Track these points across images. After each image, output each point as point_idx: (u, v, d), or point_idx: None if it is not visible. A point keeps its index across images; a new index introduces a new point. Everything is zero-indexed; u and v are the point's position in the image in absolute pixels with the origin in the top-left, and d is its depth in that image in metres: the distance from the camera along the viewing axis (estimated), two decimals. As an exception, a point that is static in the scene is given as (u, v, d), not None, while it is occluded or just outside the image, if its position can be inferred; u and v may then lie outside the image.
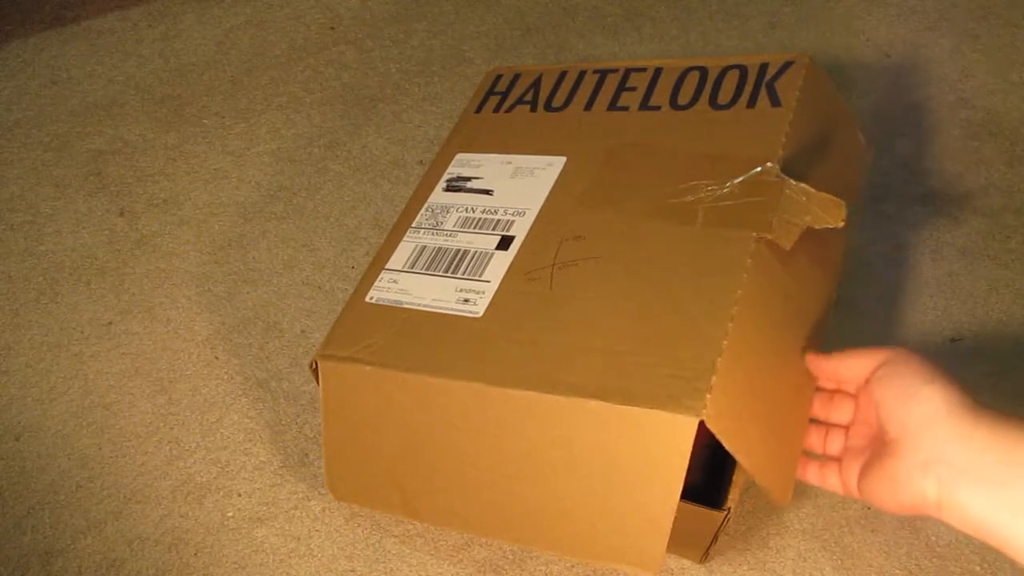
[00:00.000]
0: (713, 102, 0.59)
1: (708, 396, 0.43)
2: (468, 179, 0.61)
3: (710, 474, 0.59)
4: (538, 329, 0.50)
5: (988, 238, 0.69)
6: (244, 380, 0.67)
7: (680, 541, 0.56)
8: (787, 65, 0.59)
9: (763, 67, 0.60)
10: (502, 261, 0.54)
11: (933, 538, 0.56)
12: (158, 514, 0.60)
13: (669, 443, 0.44)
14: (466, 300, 0.53)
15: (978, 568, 0.54)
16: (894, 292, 0.70)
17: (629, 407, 0.44)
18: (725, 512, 0.50)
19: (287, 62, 0.94)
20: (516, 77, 0.69)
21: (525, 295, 0.52)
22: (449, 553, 0.57)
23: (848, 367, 0.48)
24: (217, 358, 0.69)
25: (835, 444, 0.51)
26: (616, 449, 0.46)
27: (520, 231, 0.56)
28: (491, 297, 0.52)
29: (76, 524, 0.60)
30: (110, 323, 0.72)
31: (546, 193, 0.58)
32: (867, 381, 0.46)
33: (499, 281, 0.53)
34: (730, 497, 0.50)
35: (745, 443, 0.45)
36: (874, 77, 0.83)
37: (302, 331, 0.70)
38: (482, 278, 0.54)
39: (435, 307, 0.54)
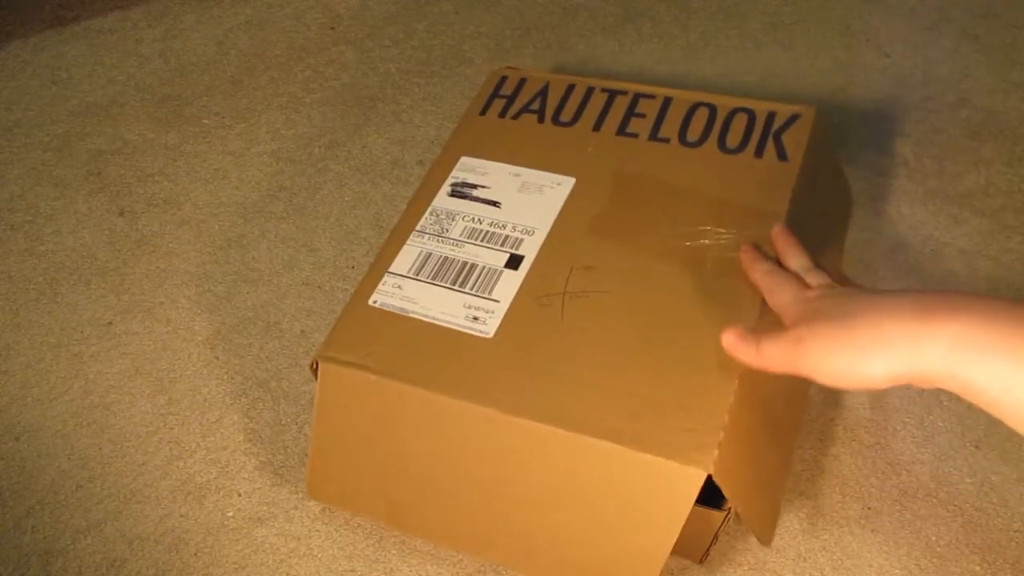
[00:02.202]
0: (722, 144, 0.61)
1: (716, 451, 0.44)
2: (474, 186, 0.61)
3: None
4: (549, 358, 0.50)
5: (988, 238, 0.69)
6: (244, 380, 0.67)
7: (680, 541, 0.56)
8: (794, 118, 0.61)
9: (770, 116, 0.62)
10: (512, 281, 0.55)
11: (933, 538, 0.56)
12: (158, 514, 0.60)
13: (674, 491, 0.45)
14: (475, 318, 0.53)
15: (978, 568, 0.54)
16: (894, 292, 0.70)
17: (639, 452, 0.45)
18: (725, 512, 0.50)
19: (287, 62, 0.94)
20: (522, 82, 0.69)
21: (536, 321, 0.53)
22: (449, 553, 0.57)
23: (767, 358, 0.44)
24: (217, 358, 0.69)
25: None
26: (620, 489, 0.47)
27: (530, 251, 0.56)
28: (501, 318, 0.53)
29: (76, 524, 0.60)
30: (110, 323, 0.72)
31: (555, 214, 0.58)
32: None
33: (509, 302, 0.54)
34: (730, 497, 0.50)
35: (742, 491, 0.47)
36: (874, 77, 0.83)
37: (302, 331, 0.70)
38: (491, 296, 0.54)
39: (443, 321, 0.54)
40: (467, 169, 0.63)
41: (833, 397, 0.65)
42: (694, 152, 0.61)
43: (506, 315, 0.53)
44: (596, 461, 0.47)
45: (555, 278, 0.54)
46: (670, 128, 0.63)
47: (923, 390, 0.66)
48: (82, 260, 0.76)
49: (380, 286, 0.57)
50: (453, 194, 0.61)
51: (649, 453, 0.45)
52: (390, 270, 0.57)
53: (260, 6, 1.01)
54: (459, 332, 0.53)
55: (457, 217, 0.60)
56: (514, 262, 0.56)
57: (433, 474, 0.52)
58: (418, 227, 0.60)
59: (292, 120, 0.88)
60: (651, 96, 0.65)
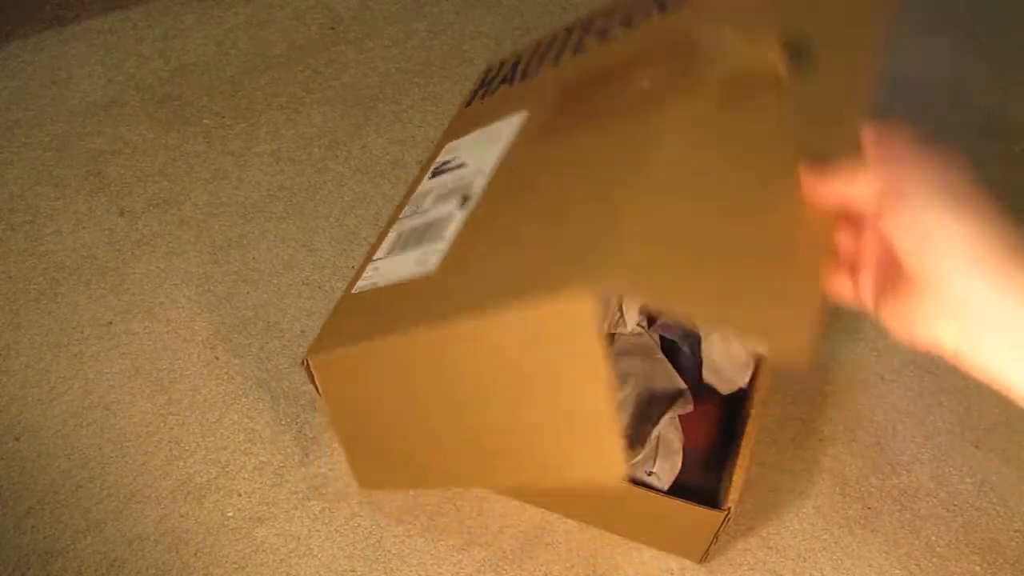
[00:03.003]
0: (662, 10, 0.57)
1: (606, 268, 0.38)
2: (449, 162, 0.62)
3: (710, 474, 0.59)
4: (472, 263, 0.49)
5: (988, 238, 0.69)
6: (244, 380, 0.67)
7: (680, 541, 0.56)
8: None
9: None
10: (460, 218, 0.54)
11: (933, 538, 0.56)
12: (158, 514, 0.60)
13: (577, 329, 0.40)
14: (423, 263, 0.53)
15: (978, 568, 0.54)
16: (894, 292, 0.70)
17: (536, 306, 0.41)
18: (725, 512, 0.50)
19: (287, 62, 0.94)
20: (502, 64, 0.70)
21: (471, 239, 0.51)
22: (449, 553, 0.57)
23: (858, 186, 0.37)
24: (217, 358, 0.69)
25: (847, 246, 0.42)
26: (537, 353, 0.43)
27: (480, 185, 0.55)
28: (444, 254, 0.51)
29: (76, 524, 0.60)
30: (110, 323, 0.71)
31: (506, 144, 0.57)
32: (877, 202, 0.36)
33: (452, 238, 0.52)
34: (730, 497, 0.50)
35: (693, 302, 0.38)
36: (873, 77, 0.83)
37: (302, 331, 0.70)
38: (441, 238, 0.53)
39: (399, 279, 0.54)
40: (448, 152, 0.63)
41: (834, 397, 0.65)
42: (636, 31, 0.57)
43: (448, 250, 0.52)
44: (502, 336, 0.44)
45: (495, 193, 0.53)
46: (615, 25, 0.60)
47: (923, 390, 0.66)
48: (82, 260, 0.76)
49: (364, 274, 0.58)
50: (432, 176, 0.62)
51: (533, 300, 0.40)
52: (373, 258, 0.58)
53: (260, 6, 1.01)
54: (410, 281, 0.53)
55: (431, 192, 0.60)
56: (464, 201, 0.55)
57: (422, 419, 0.52)
58: (401, 215, 0.60)
59: (292, 120, 0.88)
60: (610, 12, 0.62)
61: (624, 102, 0.50)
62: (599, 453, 0.44)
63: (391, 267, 0.56)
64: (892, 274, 0.38)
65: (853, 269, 0.40)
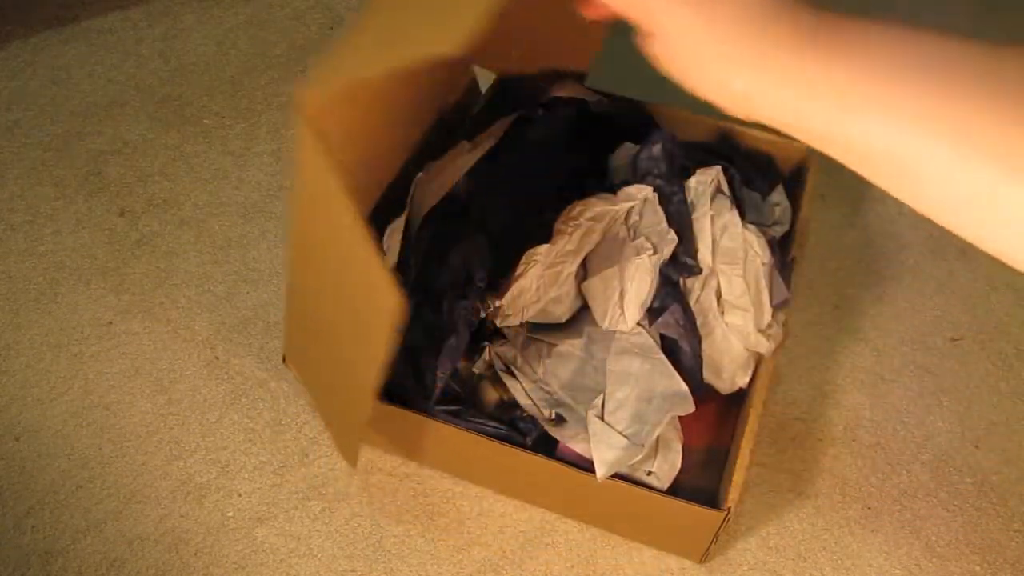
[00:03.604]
0: None
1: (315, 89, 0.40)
2: None
3: (710, 474, 0.59)
4: None
5: (988, 238, 0.69)
6: (244, 380, 0.67)
7: (680, 541, 0.56)
8: None
9: None
10: None
11: (933, 538, 0.56)
12: (158, 514, 0.60)
13: (304, 146, 0.42)
14: None
15: (978, 568, 0.54)
16: (895, 292, 0.70)
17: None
18: (725, 512, 0.50)
19: (287, 62, 0.94)
20: None
21: None
22: (449, 553, 0.57)
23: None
24: (217, 358, 0.69)
25: None
26: (307, 197, 0.45)
27: None
28: None
29: (76, 524, 0.60)
30: (110, 323, 0.71)
31: None
32: None
33: None
34: (730, 497, 0.50)
35: (371, 62, 0.40)
36: None
37: (302, 331, 0.70)
38: None
39: None
40: None
41: (834, 397, 0.65)
42: None
43: None
44: (299, 196, 0.46)
45: None
46: None
47: (923, 390, 0.66)
48: (82, 260, 0.76)
49: None
50: None
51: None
52: None
53: (260, 6, 1.01)
54: None
55: None
56: None
57: (343, 356, 0.52)
58: None
59: (292, 120, 0.88)
60: None
61: None
62: (370, 278, 0.43)
63: None
64: None
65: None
